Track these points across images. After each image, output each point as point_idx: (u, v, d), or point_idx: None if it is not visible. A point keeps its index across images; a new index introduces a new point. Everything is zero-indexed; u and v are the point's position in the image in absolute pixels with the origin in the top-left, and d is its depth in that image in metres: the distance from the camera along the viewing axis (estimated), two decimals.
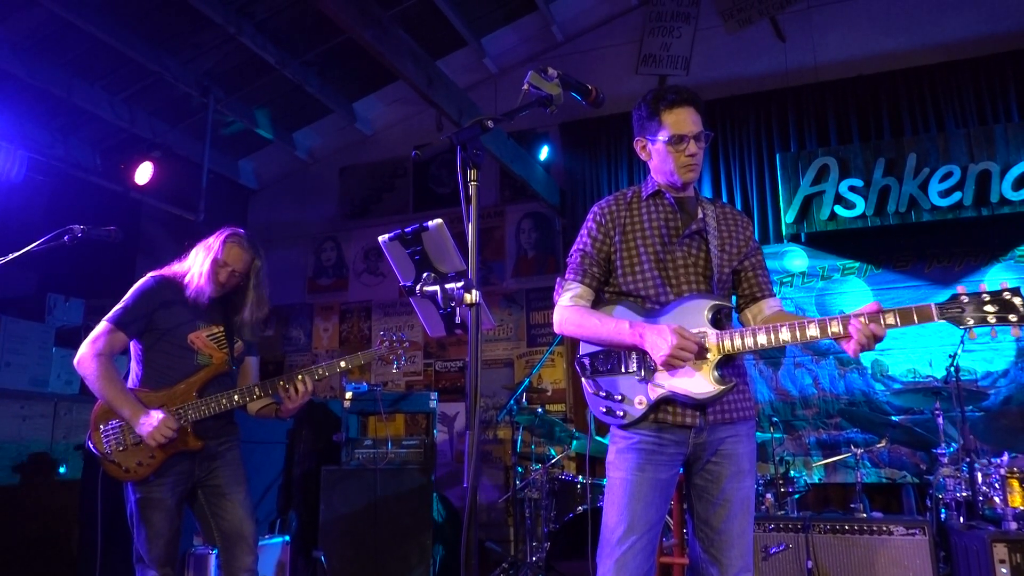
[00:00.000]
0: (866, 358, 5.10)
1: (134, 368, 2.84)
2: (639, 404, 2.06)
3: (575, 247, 2.28)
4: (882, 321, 1.91)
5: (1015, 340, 4.83)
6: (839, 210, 5.10)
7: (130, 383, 2.80)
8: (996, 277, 4.96)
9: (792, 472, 4.17)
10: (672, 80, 6.23)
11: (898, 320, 1.91)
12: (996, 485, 3.54)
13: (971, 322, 1.87)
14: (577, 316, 2.18)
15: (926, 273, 5.10)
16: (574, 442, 4.54)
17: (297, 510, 4.66)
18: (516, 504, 4.69)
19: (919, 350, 5.01)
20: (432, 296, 1.85)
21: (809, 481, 4.53)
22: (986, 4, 5.45)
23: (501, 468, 5.88)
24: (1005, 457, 3.59)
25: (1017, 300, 1.84)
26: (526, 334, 6.23)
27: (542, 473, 4.45)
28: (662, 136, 2.15)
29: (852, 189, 5.12)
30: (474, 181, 1.84)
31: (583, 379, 2.18)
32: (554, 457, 4.60)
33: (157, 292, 2.82)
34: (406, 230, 1.99)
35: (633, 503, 2.05)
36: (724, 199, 5.71)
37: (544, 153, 6.04)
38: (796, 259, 5.39)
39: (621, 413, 2.07)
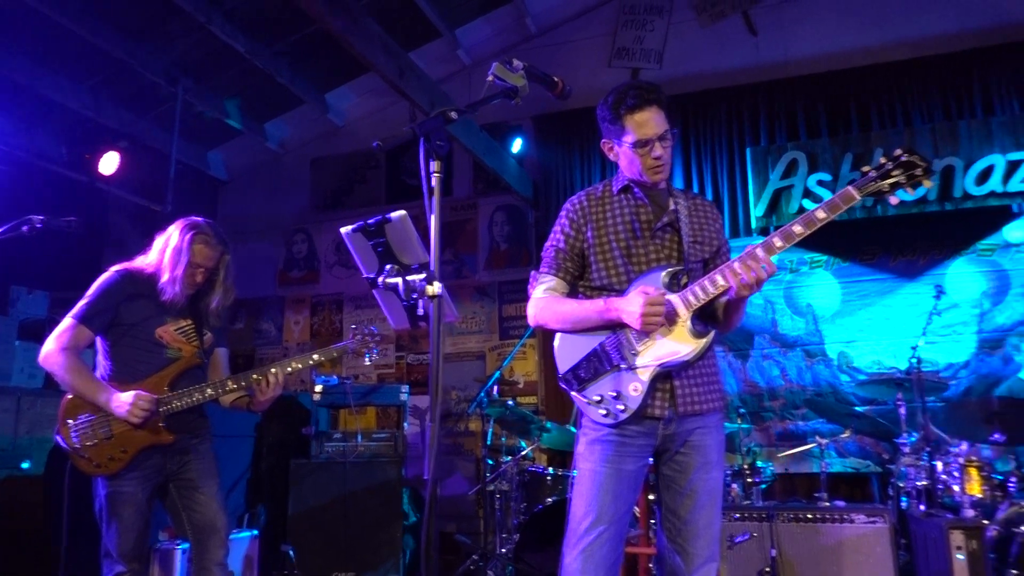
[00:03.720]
0: (832, 350, 5.20)
1: (101, 363, 2.80)
2: (634, 392, 2.05)
3: (548, 243, 2.30)
4: (761, 251, 1.99)
5: (976, 333, 4.95)
6: (808, 204, 5.16)
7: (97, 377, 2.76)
8: (959, 270, 5.06)
9: (759, 462, 4.22)
10: (645, 74, 6.25)
11: (829, 212, 1.99)
12: (955, 474, 3.62)
13: (888, 189, 1.98)
14: (552, 304, 2.21)
15: (891, 266, 5.19)
16: (544, 435, 4.55)
17: (266, 504, 4.63)
18: (486, 496, 4.70)
19: (884, 342, 5.09)
20: (394, 288, 1.84)
21: (776, 471, 4.59)
22: (953, 2, 5.53)
23: (472, 460, 5.88)
24: (964, 446, 3.67)
25: (915, 158, 1.97)
26: (498, 327, 6.23)
27: (512, 465, 4.46)
28: (627, 139, 2.15)
29: (820, 183, 5.18)
30: (437, 172, 1.84)
31: (573, 394, 2.17)
32: (524, 449, 4.61)
33: (122, 286, 2.78)
34: (369, 222, 1.97)
35: (601, 494, 2.07)
36: (695, 191, 5.74)
37: (517, 146, 6.04)
38: None
39: (621, 407, 2.07)
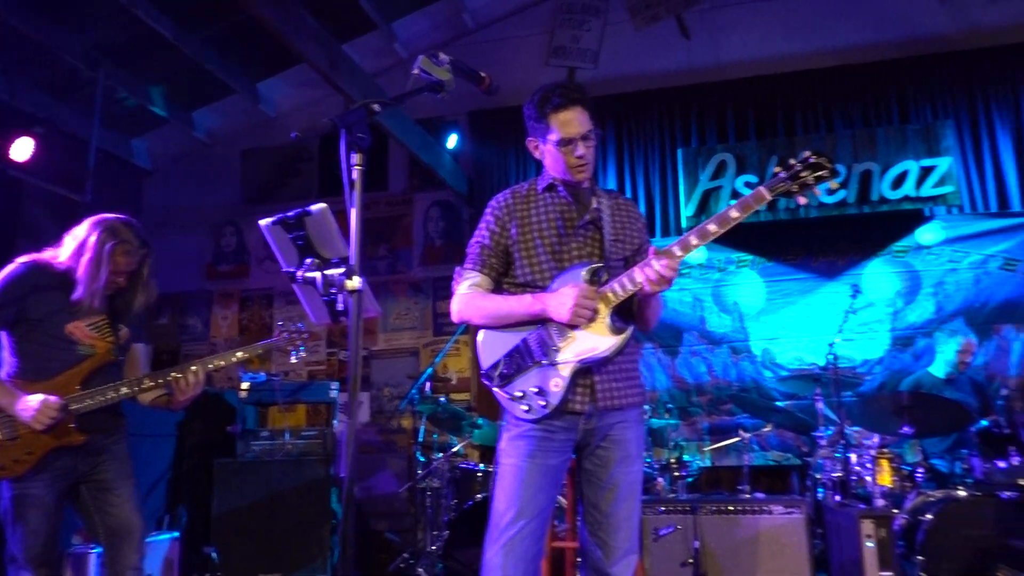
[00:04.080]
0: (757, 347, 5.36)
1: (8, 360, 2.65)
2: (555, 387, 2.07)
3: (473, 239, 2.30)
4: (678, 248, 2.07)
5: (890, 331, 5.18)
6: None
7: (3, 375, 2.62)
8: (875, 271, 5.29)
9: (686, 456, 4.33)
10: (581, 73, 6.31)
11: (741, 212, 2.08)
12: (868, 465, 3.78)
13: (797, 189, 2.06)
14: (477, 299, 2.22)
15: (813, 266, 5.39)
16: (475, 431, 4.56)
17: (187, 505, 4.49)
18: (417, 494, 4.67)
19: (805, 339, 5.28)
20: (313, 282, 1.81)
21: (702, 465, 4.72)
22: (874, 13, 5.77)
23: (404, 458, 5.84)
24: (876, 439, 3.84)
25: (822, 159, 2.05)
26: (432, 323, 6.20)
27: (443, 462, 4.45)
28: (552, 137, 2.17)
29: (748, 185, 5.33)
30: (359, 165, 1.82)
31: (495, 390, 2.18)
32: (456, 446, 4.60)
33: (27, 279, 2.63)
34: (288, 214, 1.93)
35: (523, 489, 2.08)
36: (628, 191, 5.85)
37: (452, 142, 6.01)
38: (695, 251, 5.56)
39: (543, 403, 2.08)
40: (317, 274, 1.79)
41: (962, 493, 3.54)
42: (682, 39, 6.15)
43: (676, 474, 4.09)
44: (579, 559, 3.46)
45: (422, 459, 4.74)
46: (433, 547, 4.39)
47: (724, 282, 5.52)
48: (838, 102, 5.61)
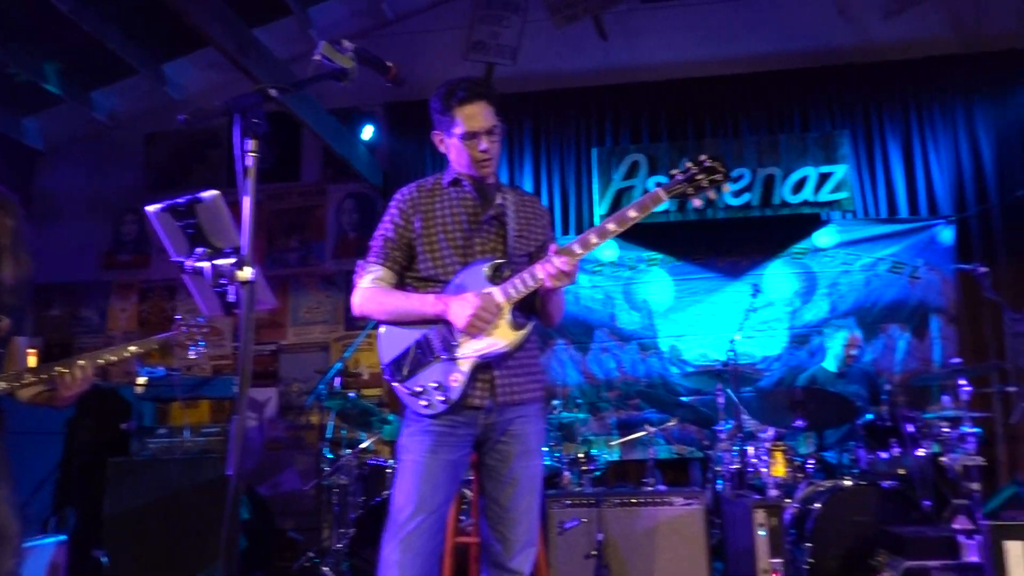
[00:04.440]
0: (664, 343, 5.52)
1: None
2: (455, 382, 2.07)
3: (377, 232, 2.28)
4: (578, 246, 2.07)
5: (788, 329, 5.43)
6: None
7: None
8: (776, 272, 5.53)
9: (594, 451, 4.41)
10: (500, 69, 6.31)
11: (639, 212, 2.12)
12: (763, 457, 3.95)
13: (692, 191, 2.13)
14: (379, 295, 2.19)
15: (719, 266, 5.58)
16: (385, 427, 4.50)
17: (76, 507, 4.26)
18: (325, 491, 4.58)
19: (710, 336, 5.47)
20: (202, 272, 1.74)
21: (609, 459, 4.82)
22: (780, 25, 6.01)
23: (312, 455, 5.71)
24: (771, 432, 4.01)
25: (717, 164, 2.13)
26: (344, 317, 6.08)
27: (351, 458, 4.38)
28: (456, 131, 2.17)
29: (659, 185, 5.46)
30: (254, 152, 1.75)
31: (395, 385, 2.16)
32: (365, 442, 4.54)
33: None
34: (178, 200, 1.86)
35: (422, 484, 2.08)
36: (543, 188, 5.91)
37: (368, 133, 5.90)
38: (607, 249, 5.68)
39: (442, 398, 2.08)
40: (206, 264, 1.73)
41: (848, 483, 3.74)
42: (599, 40, 6.24)
43: (584, 468, 4.16)
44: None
45: (330, 456, 4.66)
46: (339, 545, 4.32)
47: (635, 280, 5.65)
48: (745, 108, 5.83)
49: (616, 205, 5.53)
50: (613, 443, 4.92)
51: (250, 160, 1.74)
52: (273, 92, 1.81)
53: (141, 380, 4.46)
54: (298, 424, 5.93)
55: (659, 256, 5.64)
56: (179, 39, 5.96)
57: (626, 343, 5.56)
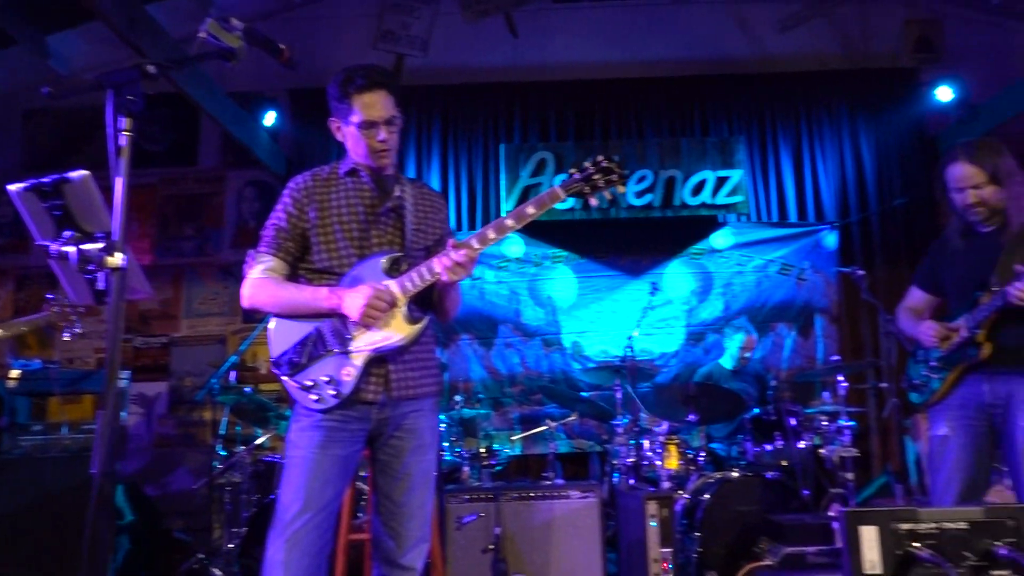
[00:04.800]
0: (567, 339, 5.61)
1: None
2: (347, 376, 2.03)
3: (269, 222, 2.20)
4: (476, 241, 2.06)
5: (685, 326, 5.62)
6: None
7: None
8: (674, 271, 5.71)
9: (495, 445, 4.42)
10: (410, 61, 6.23)
11: (537, 208, 2.10)
12: (658, 450, 4.07)
13: (589, 190, 2.15)
14: (271, 286, 2.12)
15: (621, 264, 5.71)
16: (281, 423, 4.37)
17: None
18: (217, 489, 4.41)
19: (611, 333, 5.59)
20: (67, 258, 1.62)
21: (511, 453, 4.85)
22: (683, 32, 6.21)
23: (205, 452, 5.49)
24: (665, 426, 4.14)
25: (613, 165, 2.16)
26: (242, 309, 5.86)
27: (245, 455, 4.23)
28: (354, 119, 2.12)
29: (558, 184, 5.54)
30: (127, 131, 1.66)
31: (284, 379, 2.10)
32: (260, 438, 4.39)
33: None
34: (43, 180, 1.73)
35: (311, 481, 2.02)
36: (451, 183, 5.88)
37: (270, 119, 5.70)
38: (513, 245, 5.72)
39: (333, 392, 2.03)
40: (72, 248, 1.61)
41: (735, 474, 3.91)
42: (510, 37, 6.25)
43: (485, 463, 4.17)
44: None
45: (223, 453, 4.48)
46: (231, 545, 4.16)
47: (540, 276, 5.71)
48: (649, 111, 5.99)
49: (523, 201, 5.56)
50: (515, 438, 4.95)
51: (124, 139, 1.64)
52: (151, 69, 1.72)
53: (14, 373, 4.17)
54: (190, 420, 5.67)
55: (564, 253, 5.72)
56: (66, 10, 5.58)
57: (530, 339, 5.61)
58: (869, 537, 1.41)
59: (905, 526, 1.45)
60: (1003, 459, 2.50)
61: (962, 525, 1.45)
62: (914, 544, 1.43)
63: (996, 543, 1.42)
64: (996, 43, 6.22)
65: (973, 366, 2.51)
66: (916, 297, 2.86)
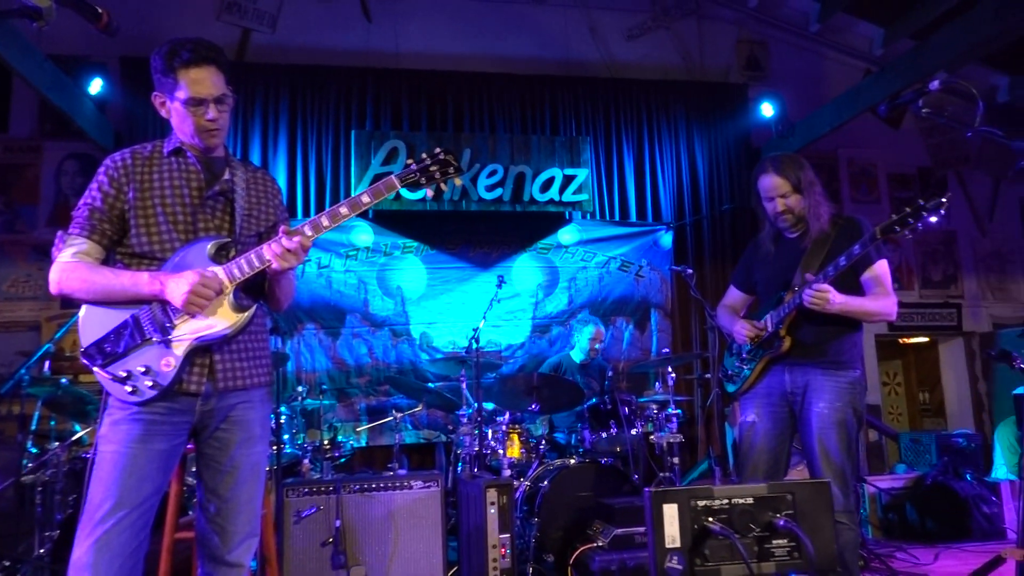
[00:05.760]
0: (416, 330, 5.61)
1: None
2: (166, 367, 1.92)
3: (82, 201, 2.03)
4: (308, 228, 2.02)
5: (532, 319, 5.80)
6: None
7: None
8: (523, 265, 5.87)
9: (340, 437, 4.35)
10: (257, 36, 5.97)
11: (372, 198, 2.10)
12: (500, 439, 4.17)
13: (425, 181, 2.19)
14: (84, 271, 1.96)
15: (471, 256, 5.79)
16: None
17: None
18: (26, 490, 4.02)
19: (459, 324, 5.66)
20: None
21: (356, 445, 4.79)
22: (536, 32, 6.37)
23: (13, 449, 4.97)
24: (507, 415, 4.25)
25: (450, 157, 2.21)
26: None
27: (60, 452, 3.89)
28: (180, 95, 2.00)
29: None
30: None
31: (96, 370, 1.94)
32: (78, 433, 4.05)
33: None
34: None
35: (125, 477, 1.89)
36: (299, 167, 5.70)
37: (96, 86, 5.24)
38: (363, 234, 5.63)
39: (150, 383, 1.90)
40: None
41: (573, 461, 4.08)
42: (364, 20, 6.15)
43: (328, 455, 4.09)
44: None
45: (34, 450, 4.09)
46: (42, 550, 3.82)
47: (389, 267, 5.66)
48: (501, 107, 6.10)
49: None
50: (360, 429, 4.90)
51: None
52: None
53: None
54: None
55: (414, 244, 5.71)
56: None
57: (378, 329, 5.56)
58: (670, 514, 1.55)
59: (701, 502, 1.60)
60: (800, 440, 2.78)
61: (749, 500, 1.62)
62: (708, 519, 1.58)
63: (777, 515, 1.62)
64: (812, 67, 6.91)
65: (776, 358, 2.78)
66: (733, 295, 3.13)
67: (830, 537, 1.68)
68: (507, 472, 3.98)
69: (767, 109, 6.18)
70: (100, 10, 1.88)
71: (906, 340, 7.63)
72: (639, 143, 6.29)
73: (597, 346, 5.17)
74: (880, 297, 2.68)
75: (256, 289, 2.13)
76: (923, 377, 7.82)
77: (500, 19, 6.31)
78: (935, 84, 2.24)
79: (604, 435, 4.38)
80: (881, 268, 2.70)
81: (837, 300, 2.57)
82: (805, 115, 6.15)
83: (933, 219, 2.39)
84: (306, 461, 3.90)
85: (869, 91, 5.47)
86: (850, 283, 2.68)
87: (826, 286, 2.56)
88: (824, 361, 2.69)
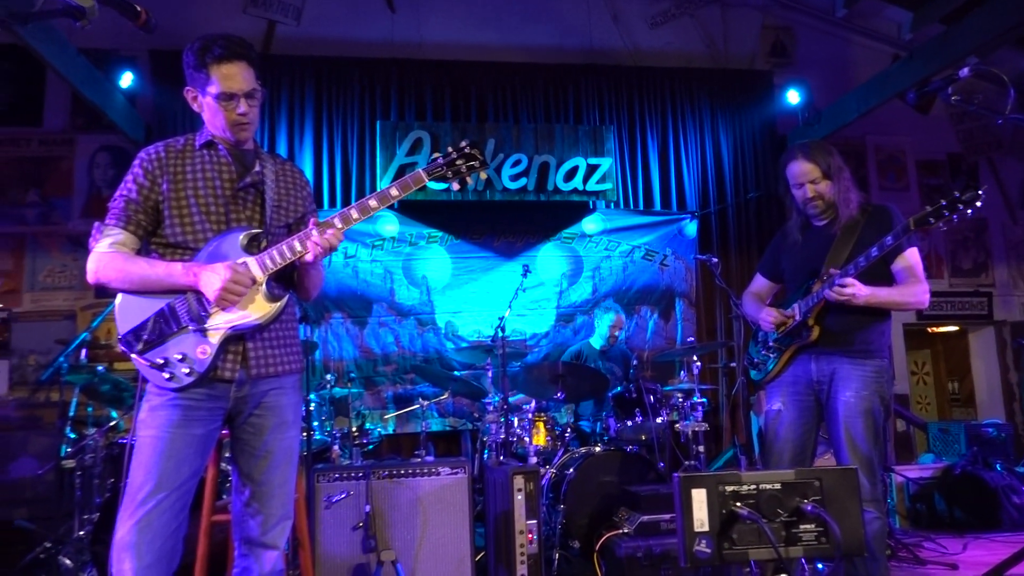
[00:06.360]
0: (441, 319, 5.67)
1: None
2: (202, 355, 1.97)
3: (118, 192, 2.09)
4: (339, 220, 2.07)
5: (556, 308, 5.82)
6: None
7: None
8: (547, 254, 5.89)
9: (368, 424, 4.42)
10: (282, 28, 6.03)
11: (401, 191, 2.14)
12: (526, 427, 4.21)
13: (451, 175, 2.21)
14: (121, 262, 2.01)
15: (495, 246, 5.82)
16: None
17: None
18: (66, 475, 4.14)
19: (484, 313, 5.70)
20: None
21: (384, 432, 4.86)
22: (558, 21, 6.36)
23: (52, 435, 5.12)
24: (533, 404, 4.29)
25: (476, 151, 2.22)
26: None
27: (97, 438, 4.00)
28: (212, 90, 2.05)
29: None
30: None
31: (134, 357, 2.00)
32: (115, 419, 4.16)
33: None
34: None
35: (164, 460, 1.96)
36: (325, 158, 5.75)
37: (127, 80, 5.34)
38: (388, 224, 5.69)
39: (187, 371, 1.96)
40: None
41: (598, 449, 4.12)
42: (388, 11, 6.17)
43: (356, 442, 4.16)
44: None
45: (73, 436, 4.21)
46: (82, 532, 3.94)
47: (415, 256, 5.72)
48: (525, 97, 6.10)
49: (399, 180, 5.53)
50: (387, 416, 4.97)
51: None
52: None
53: None
54: (34, 402, 5.28)
55: (439, 234, 5.76)
56: None
57: (404, 318, 5.62)
58: (699, 499, 1.57)
59: (730, 488, 1.63)
60: (827, 429, 2.78)
61: (776, 486, 1.64)
62: (736, 504, 1.61)
63: (804, 500, 1.63)
64: (839, 53, 6.82)
65: (803, 347, 2.78)
66: (759, 283, 3.12)
67: (858, 523, 1.69)
68: (533, 459, 4.02)
69: (793, 96, 6.12)
70: (139, 8, 1.93)
71: (935, 329, 7.54)
72: (663, 131, 6.26)
73: (617, 333, 5.18)
74: (910, 285, 2.67)
75: (286, 279, 2.18)
76: (952, 367, 7.74)
77: (522, 8, 6.30)
78: (965, 71, 2.22)
79: (629, 423, 4.41)
80: (912, 256, 2.69)
81: (862, 294, 2.56)
82: (832, 102, 6.08)
83: (969, 212, 2.36)
84: (335, 447, 3.96)
85: (897, 77, 5.40)
86: (881, 272, 2.67)
87: (850, 280, 2.56)
88: (851, 350, 2.68)
